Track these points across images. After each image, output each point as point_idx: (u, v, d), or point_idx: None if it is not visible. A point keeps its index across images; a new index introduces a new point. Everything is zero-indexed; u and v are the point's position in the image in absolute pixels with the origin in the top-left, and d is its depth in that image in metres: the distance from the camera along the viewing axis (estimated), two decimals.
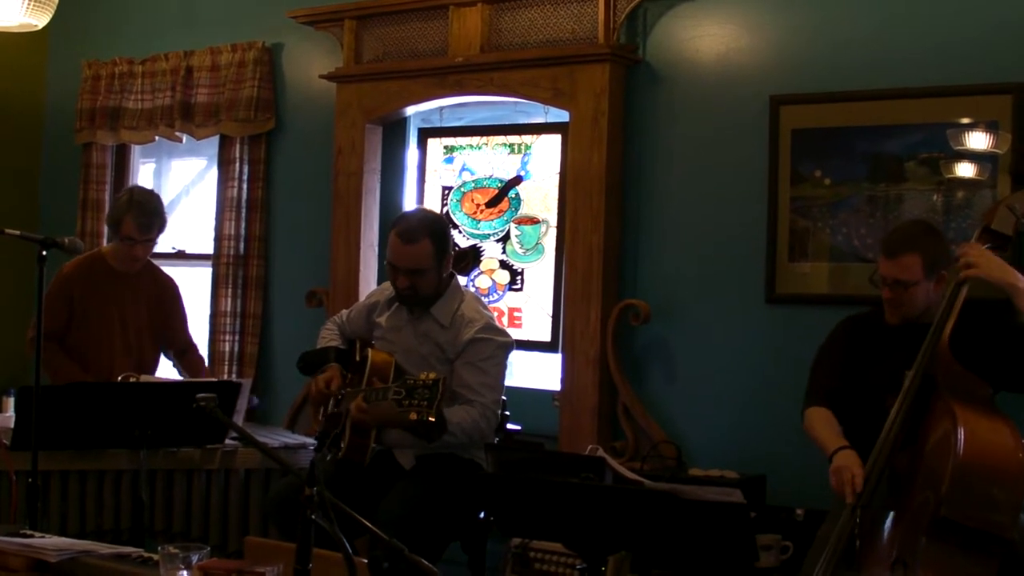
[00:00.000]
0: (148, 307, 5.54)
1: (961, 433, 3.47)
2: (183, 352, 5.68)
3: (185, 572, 2.77)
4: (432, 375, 4.04)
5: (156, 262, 5.72)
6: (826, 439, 3.95)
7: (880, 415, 3.73)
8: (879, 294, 4.04)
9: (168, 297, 5.64)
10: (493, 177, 5.94)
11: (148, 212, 5.32)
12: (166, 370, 5.82)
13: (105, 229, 7.08)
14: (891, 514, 3.63)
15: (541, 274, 5.78)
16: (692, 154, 5.27)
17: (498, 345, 4.55)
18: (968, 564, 3.46)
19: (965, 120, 4.63)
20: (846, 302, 4.59)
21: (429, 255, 4.51)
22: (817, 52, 5.00)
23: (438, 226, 4.64)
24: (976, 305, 3.80)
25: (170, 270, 5.80)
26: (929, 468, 3.56)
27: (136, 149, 7.31)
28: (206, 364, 6.01)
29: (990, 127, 4.58)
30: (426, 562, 2.63)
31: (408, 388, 4.03)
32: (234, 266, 6.57)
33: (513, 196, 5.86)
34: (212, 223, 6.69)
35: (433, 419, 3.96)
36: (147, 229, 5.32)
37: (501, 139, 5.94)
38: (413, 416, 3.97)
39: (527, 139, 5.87)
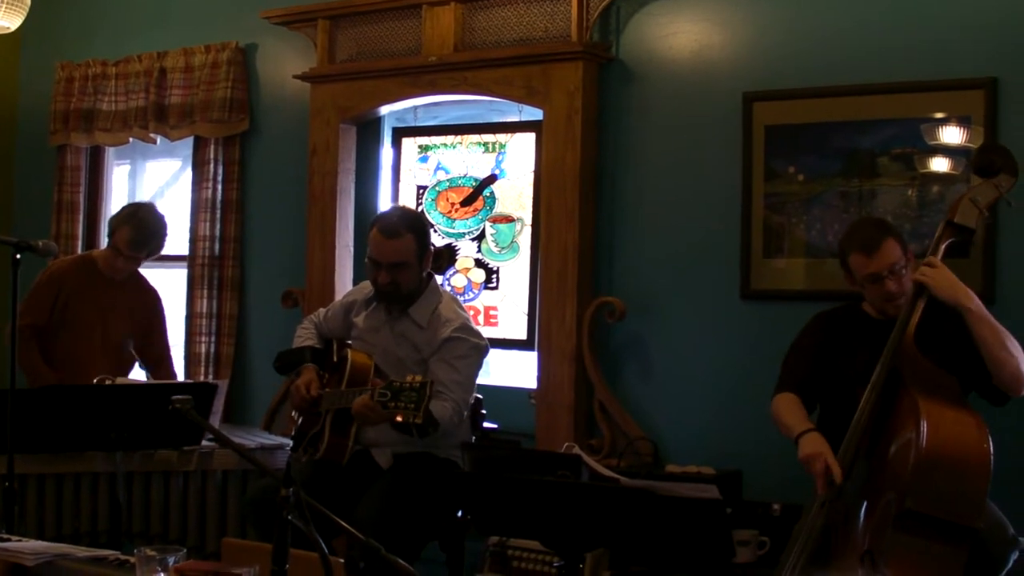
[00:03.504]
0: (130, 314, 5.55)
1: (924, 426, 3.50)
2: (158, 362, 5.67)
3: (162, 574, 2.77)
4: (419, 378, 4.08)
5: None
6: (791, 422, 3.92)
7: (853, 407, 3.74)
8: (853, 289, 4.05)
9: (150, 306, 5.68)
10: (468, 176, 5.94)
11: (144, 233, 5.37)
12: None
13: (80, 231, 7.10)
14: (863, 507, 3.65)
15: (516, 272, 5.79)
16: (666, 151, 5.27)
17: (472, 346, 4.55)
18: (935, 554, 3.48)
19: (938, 115, 4.65)
20: (822, 297, 4.60)
21: (411, 249, 4.52)
22: (790, 49, 5.01)
23: (419, 222, 4.69)
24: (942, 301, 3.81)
25: (145, 272, 5.77)
26: (895, 461, 3.58)
27: (110, 151, 7.29)
28: (178, 377, 6.01)
29: (963, 122, 4.60)
30: (403, 561, 2.64)
31: (394, 390, 4.07)
32: (209, 267, 6.55)
33: (488, 195, 5.86)
34: (187, 224, 6.67)
35: (420, 421, 4.00)
36: (137, 247, 5.36)
37: (475, 138, 5.94)
38: (399, 418, 4.03)
39: (501, 138, 5.87)
